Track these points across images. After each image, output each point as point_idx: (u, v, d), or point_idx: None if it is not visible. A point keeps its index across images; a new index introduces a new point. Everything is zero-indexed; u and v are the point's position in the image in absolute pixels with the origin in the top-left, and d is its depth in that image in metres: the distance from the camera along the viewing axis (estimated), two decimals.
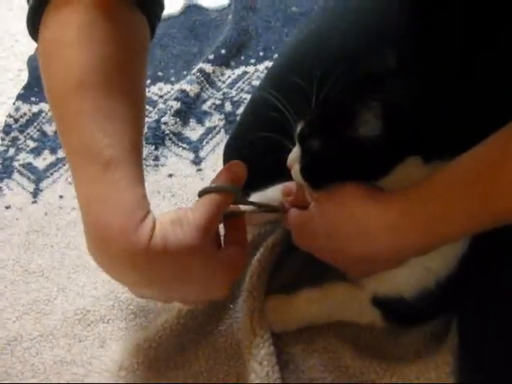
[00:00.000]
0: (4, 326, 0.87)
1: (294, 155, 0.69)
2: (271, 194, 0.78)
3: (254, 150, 0.84)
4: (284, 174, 0.73)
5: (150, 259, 0.56)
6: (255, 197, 0.80)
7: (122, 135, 0.59)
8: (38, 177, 1.11)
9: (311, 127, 0.66)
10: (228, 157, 0.90)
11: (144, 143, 1.11)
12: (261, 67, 1.26)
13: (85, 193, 0.58)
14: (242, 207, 0.72)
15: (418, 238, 0.62)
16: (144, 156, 1.09)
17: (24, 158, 1.15)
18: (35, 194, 1.08)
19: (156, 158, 1.10)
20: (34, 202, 1.06)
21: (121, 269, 0.57)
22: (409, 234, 0.62)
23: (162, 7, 0.74)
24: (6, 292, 0.92)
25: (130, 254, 0.55)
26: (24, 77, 1.36)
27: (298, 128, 0.68)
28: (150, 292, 0.63)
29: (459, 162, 0.59)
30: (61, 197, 1.07)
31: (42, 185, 1.10)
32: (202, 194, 0.63)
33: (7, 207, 1.06)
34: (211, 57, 1.27)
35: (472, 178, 0.57)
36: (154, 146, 1.11)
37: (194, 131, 1.15)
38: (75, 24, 0.61)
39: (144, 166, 1.06)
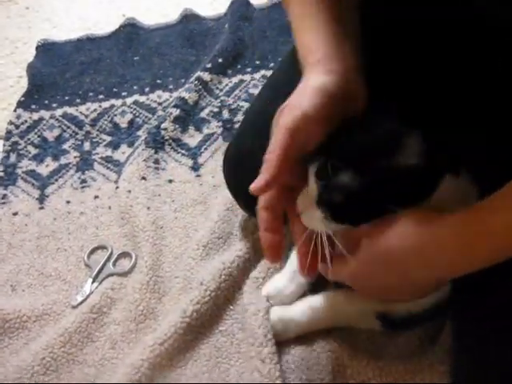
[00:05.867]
0: (24, 325, 0.89)
1: (309, 197, 0.62)
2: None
3: (255, 160, 0.87)
4: None
5: None
6: None
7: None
8: (42, 183, 1.13)
9: (342, 160, 0.59)
10: (229, 167, 0.93)
11: (144, 146, 1.13)
12: (257, 76, 1.30)
13: None
14: None
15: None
16: (144, 158, 1.11)
17: (27, 165, 1.17)
18: (41, 200, 1.09)
19: (156, 161, 1.12)
20: (41, 208, 1.08)
21: None
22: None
23: None
24: (25, 295, 0.94)
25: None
26: (23, 83, 1.38)
27: (314, 165, 0.62)
28: None
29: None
30: (68, 202, 1.09)
31: (48, 191, 1.11)
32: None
33: (14, 214, 1.07)
34: (208, 65, 1.30)
35: None
36: (154, 150, 1.13)
37: (192, 138, 1.18)
38: None
39: (145, 167, 1.08)
